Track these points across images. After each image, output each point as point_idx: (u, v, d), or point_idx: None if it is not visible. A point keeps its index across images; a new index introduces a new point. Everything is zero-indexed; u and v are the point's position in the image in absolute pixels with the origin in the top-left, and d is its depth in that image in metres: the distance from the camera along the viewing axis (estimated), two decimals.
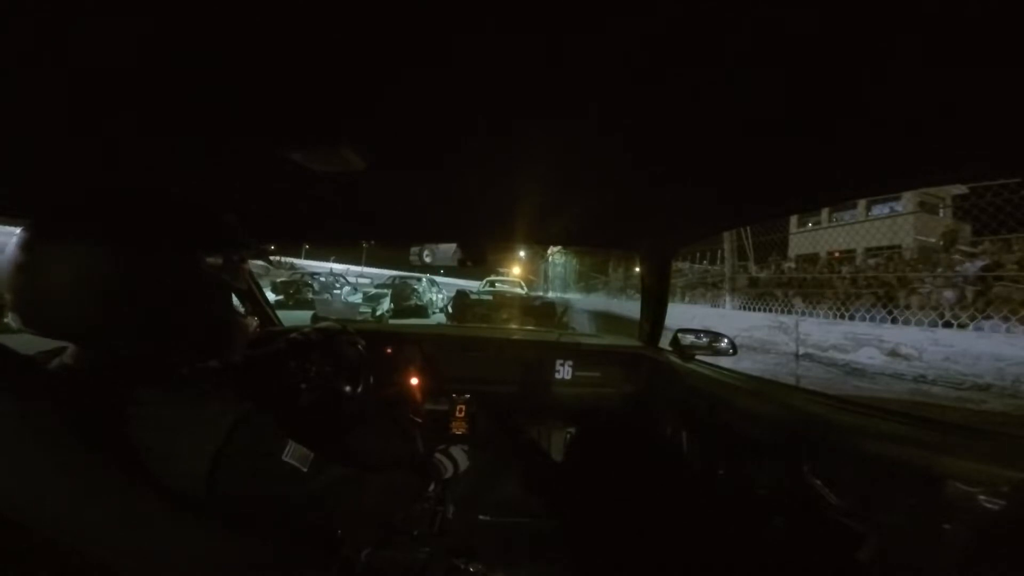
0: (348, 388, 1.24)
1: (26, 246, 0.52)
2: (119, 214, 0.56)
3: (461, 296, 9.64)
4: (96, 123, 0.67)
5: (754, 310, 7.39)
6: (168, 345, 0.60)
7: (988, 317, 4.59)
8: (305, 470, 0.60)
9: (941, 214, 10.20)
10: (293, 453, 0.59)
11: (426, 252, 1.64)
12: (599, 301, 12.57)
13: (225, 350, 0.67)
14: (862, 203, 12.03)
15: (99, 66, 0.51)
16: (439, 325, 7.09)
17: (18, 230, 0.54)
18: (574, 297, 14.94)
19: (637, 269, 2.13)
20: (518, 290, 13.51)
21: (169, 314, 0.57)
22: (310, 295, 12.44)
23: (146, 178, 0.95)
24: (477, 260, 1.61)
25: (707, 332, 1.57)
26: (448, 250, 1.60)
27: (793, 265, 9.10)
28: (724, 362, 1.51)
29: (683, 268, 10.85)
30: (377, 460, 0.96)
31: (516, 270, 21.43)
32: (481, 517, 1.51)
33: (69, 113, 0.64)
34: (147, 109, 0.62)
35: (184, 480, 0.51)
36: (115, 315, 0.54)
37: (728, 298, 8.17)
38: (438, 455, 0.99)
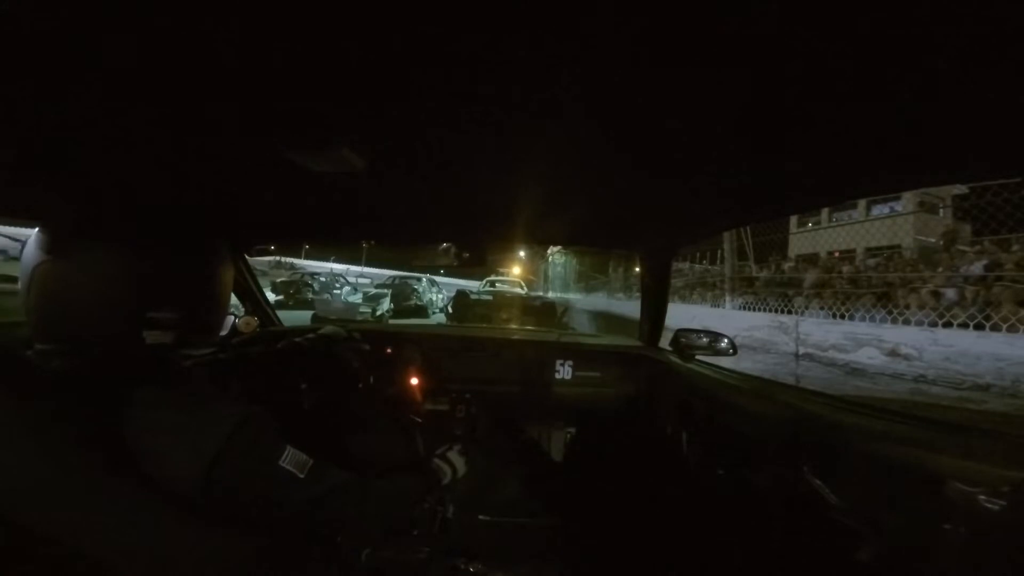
0: (349, 391, 1.24)
1: (61, 252, 0.56)
2: (159, 218, 0.62)
3: (461, 296, 9.63)
4: (97, 124, 0.67)
5: (754, 310, 7.39)
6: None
7: (989, 317, 4.59)
8: (302, 476, 0.59)
9: (941, 214, 10.21)
10: (291, 459, 0.59)
11: (439, 249, 1.63)
12: (599, 301, 12.57)
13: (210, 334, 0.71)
14: (862, 203, 12.05)
15: (99, 67, 0.51)
16: (439, 325, 7.09)
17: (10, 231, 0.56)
18: (574, 297, 14.95)
19: (637, 269, 2.13)
20: (518, 290, 13.51)
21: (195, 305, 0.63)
22: (310, 295, 12.45)
23: (147, 178, 0.95)
24: (477, 260, 1.61)
25: (707, 332, 1.57)
26: (448, 250, 1.60)
27: (793, 265, 9.11)
28: (724, 362, 1.51)
29: (683, 268, 10.86)
30: (378, 462, 0.96)
31: (516, 270, 21.44)
32: (481, 517, 1.51)
33: (70, 115, 0.64)
34: (148, 109, 0.62)
35: (183, 481, 0.51)
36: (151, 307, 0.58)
37: (728, 298, 8.17)
38: (437, 460, 0.98)
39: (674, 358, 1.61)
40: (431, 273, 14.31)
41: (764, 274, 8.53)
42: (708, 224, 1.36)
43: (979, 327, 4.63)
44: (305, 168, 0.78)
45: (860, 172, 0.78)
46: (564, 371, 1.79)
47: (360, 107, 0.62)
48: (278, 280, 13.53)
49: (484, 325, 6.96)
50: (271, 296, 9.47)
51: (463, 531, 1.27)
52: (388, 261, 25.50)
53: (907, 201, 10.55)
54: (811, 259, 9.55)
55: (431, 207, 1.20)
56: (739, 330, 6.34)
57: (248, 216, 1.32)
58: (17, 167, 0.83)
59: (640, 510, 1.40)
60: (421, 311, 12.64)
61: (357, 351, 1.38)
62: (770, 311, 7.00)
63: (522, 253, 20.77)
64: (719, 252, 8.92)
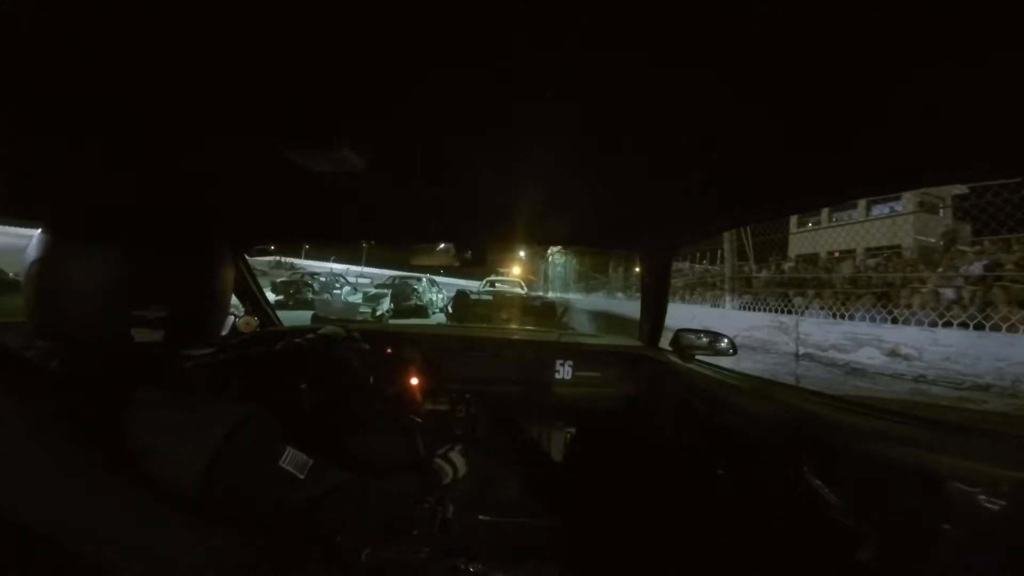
0: (349, 391, 1.24)
1: (58, 250, 0.55)
2: (162, 218, 0.61)
3: (461, 296, 9.63)
4: (98, 124, 0.67)
5: (754, 310, 7.39)
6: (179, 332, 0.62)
7: (988, 317, 4.59)
8: (302, 477, 0.59)
9: (941, 214, 10.21)
10: (291, 460, 0.59)
11: (439, 249, 1.62)
12: (599, 301, 12.58)
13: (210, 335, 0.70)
14: (862, 203, 12.05)
15: (99, 67, 0.51)
16: (439, 325, 7.09)
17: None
18: (574, 297, 14.95)
19: (637, 269, 2.13)
20: (518, 290, 13.51)
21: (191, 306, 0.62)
22: (310, 295, 12.44)
23: (147, 178, 0.95)
24: (477, 260, 1.61)
25: (707, 332, 1.57)
26: (448, 250, 1.60)
27: (793, 265, 9.12)
28: (724, 362, 1.51)
29: (683, 268, 10.86)
30: (378, 462, 0.96)
31: (516, 270, 21.43)
32: (481, 517, 1.51)
33: (70, 115, 0.64)
34: (148, 108, 0.62)
35: (183, 481, 0.51)
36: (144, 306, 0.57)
37: (728, 298, 8.17)
38: (438, 460, 0.97)
39: (674, 358, 1.61)
40: (431, 273, 14.31)
41: (764, 274, 8.53)
42: (708, 224, 1.36)
43: (979, 327, 4.63)
44: (305, 168, 0.78)
45: (860, 172, 0.78)
46: (564, 371, 1.79)
47: (360, 107, 0.62)
48: (278, 280, 13.53)
49: (484, 325, 6.95)
50: (271, 296, 9.46)
51: (463, 531, 1.27)
52: (388, 261, 25.51)
53: (907, 201, 10.55)
54: (811, 259, 9.55)
55: (431, 207, 1.20)
56: (739, 330, 6.35)
57: (248, 216, 1.32)
58: (17, 167, 0.83)
59: (640, 510, 1.40)
60: (421, 311, 12.63)
61: (357, 351, 1.38)
62: (770, 311, 7.00)
63: (522, 253, 20.78)
64: (719, 252, 8.92)
